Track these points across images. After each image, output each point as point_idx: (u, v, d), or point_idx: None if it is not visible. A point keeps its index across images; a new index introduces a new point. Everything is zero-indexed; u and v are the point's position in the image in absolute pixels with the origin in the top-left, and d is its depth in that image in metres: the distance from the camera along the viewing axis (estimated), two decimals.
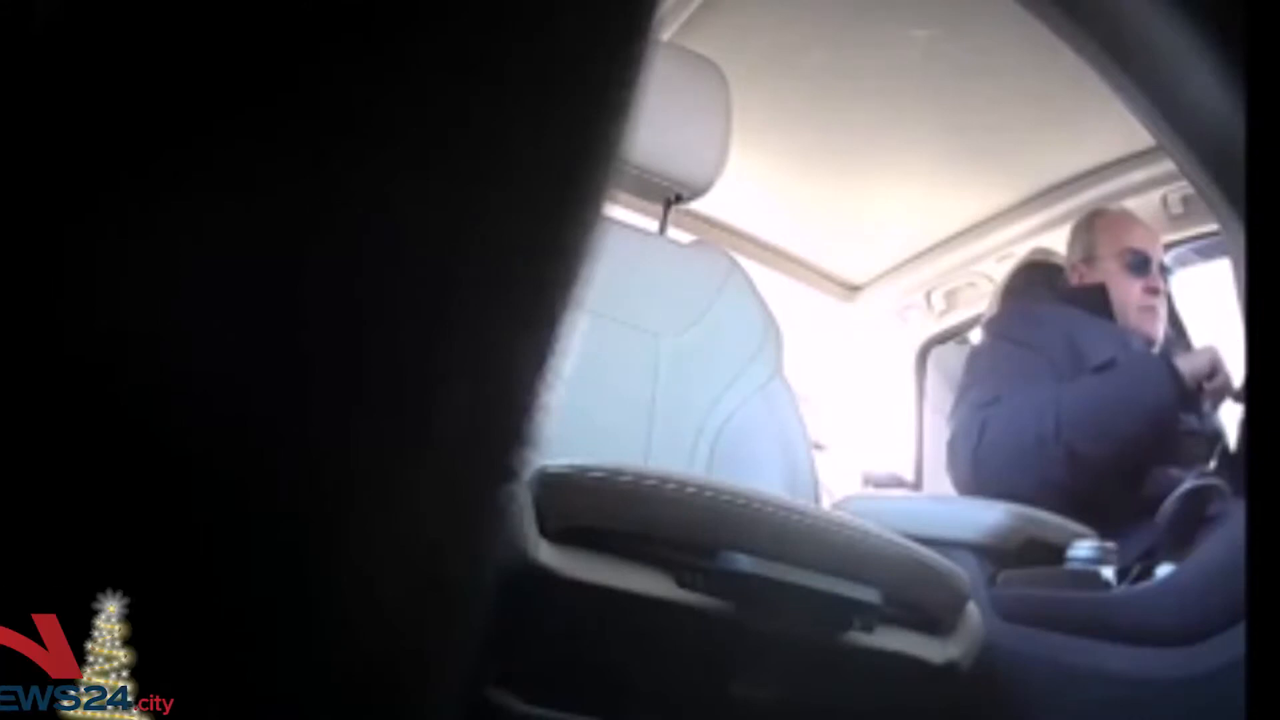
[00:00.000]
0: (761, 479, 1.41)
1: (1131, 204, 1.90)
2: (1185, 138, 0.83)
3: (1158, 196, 1.89)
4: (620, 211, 1.73)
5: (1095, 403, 1.54)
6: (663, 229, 1.67)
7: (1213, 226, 1.66)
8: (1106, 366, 1.60)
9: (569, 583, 0.96)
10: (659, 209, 1.66)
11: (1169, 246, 1.89)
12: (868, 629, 1.06)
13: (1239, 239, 0.72)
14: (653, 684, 1.01)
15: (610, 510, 0.99)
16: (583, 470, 1.00)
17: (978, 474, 1.61)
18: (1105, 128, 1.72)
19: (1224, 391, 1.50)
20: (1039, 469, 1.52)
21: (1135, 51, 0.82)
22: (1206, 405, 1.57)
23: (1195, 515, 1.28)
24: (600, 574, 0.97)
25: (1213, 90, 0.74)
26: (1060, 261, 1.91)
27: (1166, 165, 1.61)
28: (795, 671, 1.04)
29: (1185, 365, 1.52)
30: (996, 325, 1.87)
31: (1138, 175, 1.90)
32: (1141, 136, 1.16)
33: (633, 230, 1.65)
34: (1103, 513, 1.47)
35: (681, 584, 0.99)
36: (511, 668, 0.99)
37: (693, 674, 1.03)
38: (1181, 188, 1.80)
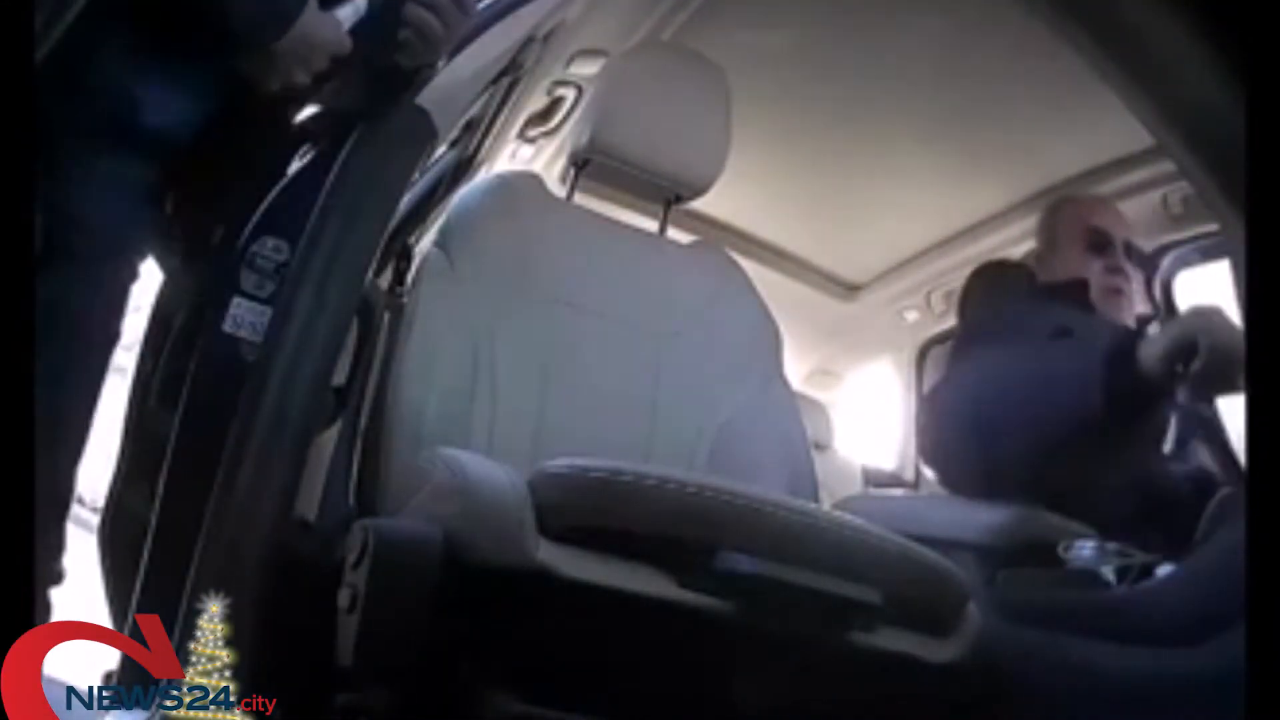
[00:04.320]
0: (761, 479, 1.41)
1: (1131, 204, 1.90)
2: (1185, 138, 0.83)
3: (1158, 196, 1.89)
4: (620, 211, 1.73)
5: (1043, 375, 1.41)
6: (663, 229, 1.67)
7: (1213, 226, 1.66)
8: (1061, 335, 1.51)
9: (569, 583, 0.96)
10: (659, 209, 1.66)
11: (1169, 246, 1.89)
12: (868, 629, 1.06)
13: (1239, 239, 0.72)
14: (653, 684, 1.01)
15: (611, 510, 0.99)
16: (583, 470, 1.00)
17: (931, 450, 1.57)
18: (1105, 128, 1.71)
19: (1212, 377, 1.27)
20: (981, 443, 1.45)
21: (1135, 51, 0.82)
22: (1189, 389, 1.34)
23: (1194, 509, 1.28)
24: (600, 574, 0.97)
25: (1212, 90, 0.74)
26: (1012, 259, 1.89)
27: (1166, 165, 1.61)
28: (795, 671, 1.04)
29: (1155, 344, 1.31)
30: (969, 333, 1.81)
31: (1138, 175, 1.89)
32: (1141, 136, 1.16)
33: (633, 230, 1.65)
34: (1098, 506, 1.45)
35: (682, 584, 0.99)
36: (511, 668, 0.99)
37: (693, 674, 1.03)
38: (1181, 188, 1.80)
